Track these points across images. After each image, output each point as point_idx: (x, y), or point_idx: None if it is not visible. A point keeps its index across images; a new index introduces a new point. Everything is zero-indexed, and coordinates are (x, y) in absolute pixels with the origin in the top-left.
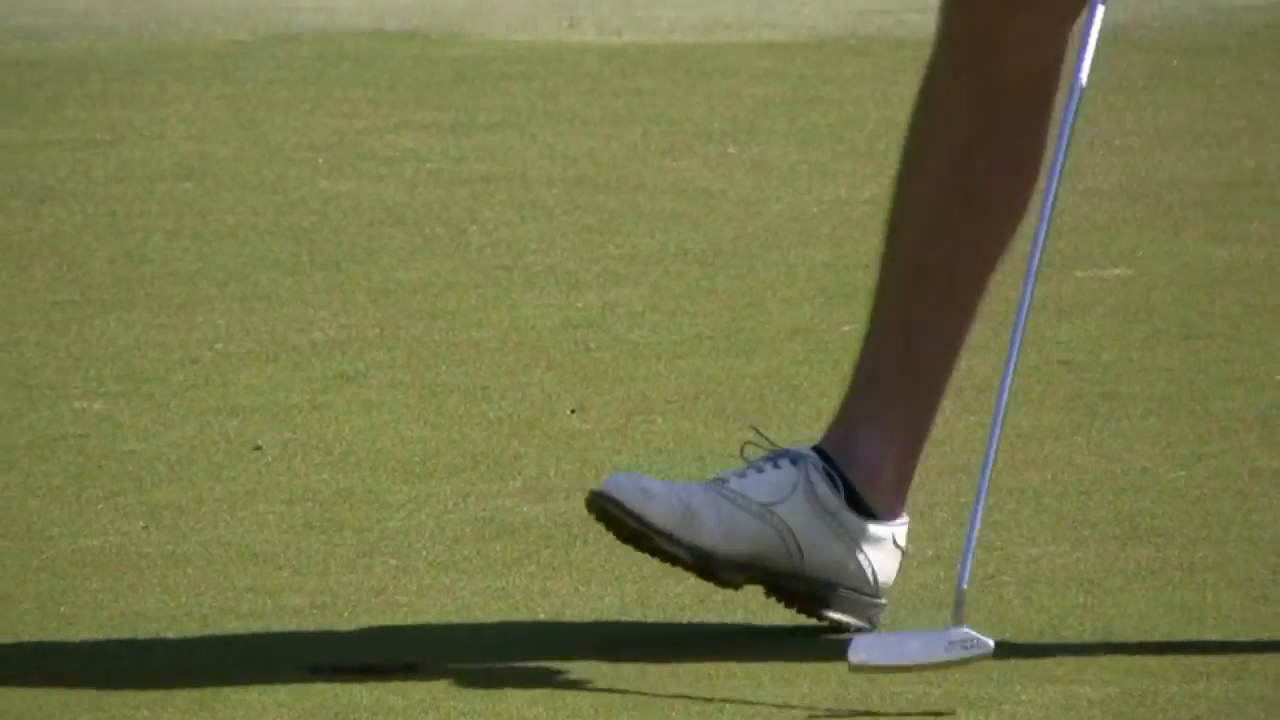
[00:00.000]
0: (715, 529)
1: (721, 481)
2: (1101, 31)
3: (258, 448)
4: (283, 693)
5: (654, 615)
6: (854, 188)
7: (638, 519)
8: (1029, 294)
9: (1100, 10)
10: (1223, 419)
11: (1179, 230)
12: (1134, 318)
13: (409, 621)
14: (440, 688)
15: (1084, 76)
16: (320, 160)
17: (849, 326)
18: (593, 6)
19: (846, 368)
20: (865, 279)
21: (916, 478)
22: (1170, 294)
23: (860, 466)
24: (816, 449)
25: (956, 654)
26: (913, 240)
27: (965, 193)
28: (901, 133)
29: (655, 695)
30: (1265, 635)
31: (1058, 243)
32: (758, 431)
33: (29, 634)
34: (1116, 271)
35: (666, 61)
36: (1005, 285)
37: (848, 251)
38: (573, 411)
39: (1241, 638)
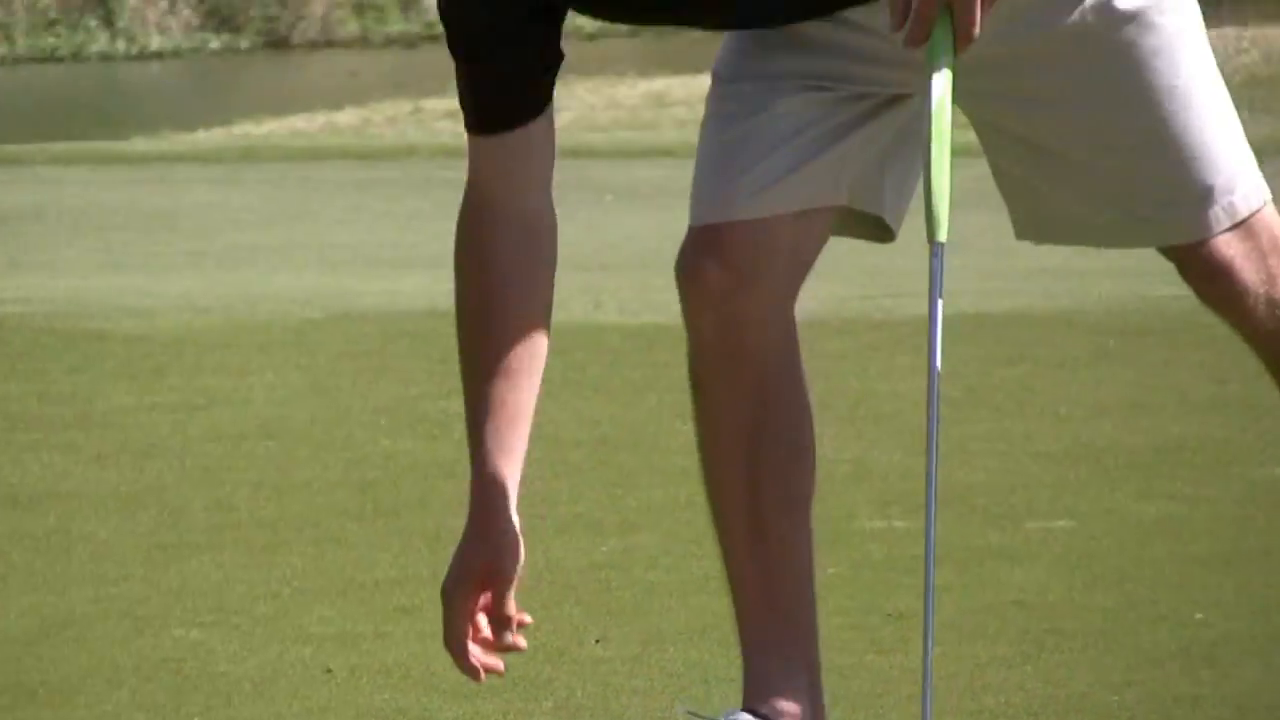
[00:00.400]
0: None
1: None
2: (1049, 316)
3: (329, 671)
4: None
5: None
6: (838, 448)
7: None
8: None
9: (940, 303)
10: (1150, 651)
11: (1115, 489)
12: (1076, 564)
13: None
14: None
15: (938, 361)
16: (382, 422)
17: (833, 569)
18: (615, 291)
19: (832, 604)
20: (847, 528)
21: (888, 699)
22: (1107, 544)
23: (786, 713)
24: (746, 709)
25: None
26: (737, 516)
27: (766, 461)
28: (879, 401)
29: None
30: None
31: (1011, 498)
32: (693, 713)
33: None
34: (1061, 524)
35: (679, 339)
36: (967, 532)
37: (832, 504)
38: (597, 641)
39: None
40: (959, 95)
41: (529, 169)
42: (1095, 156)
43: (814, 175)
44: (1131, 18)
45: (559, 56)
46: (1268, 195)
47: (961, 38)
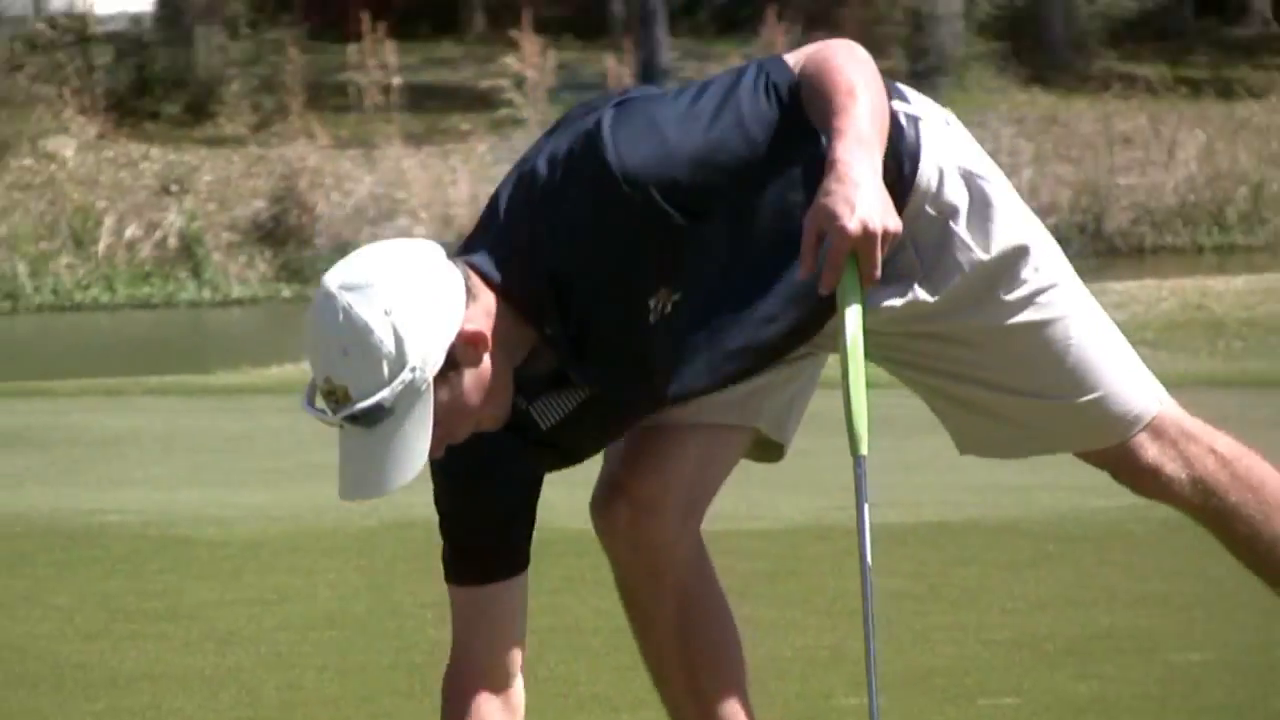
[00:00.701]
0: None
1: None
2: (998, 524)
3: None
4: None
5: None
6: (818, 637)
7: None
8: None
9: (867, 509)
10: None
11: (1054, 671)
12: None
13: None
14: None
15: (869, 554)
16: (429, 614)
17: None
18: None
19: None
20: (825, 705)
21: None
22: (1047, 717)
23: None
24: None
25: None
26: (684, 710)
27: (699, 660)
28: (852, 597)
29: None
30: None
31: (965, 679)
32: None
33: None
34: (1008, 701)
35: None
36: (928, 709)
37: (812, 684)
38: None
39: None
40: (876, 356)
41: (504, 628)
42: (1005, 401)
43: (738, 399)
44: (1021, 304)
45: (534, 523)
46: (1164, 396)
47: (866, 279)
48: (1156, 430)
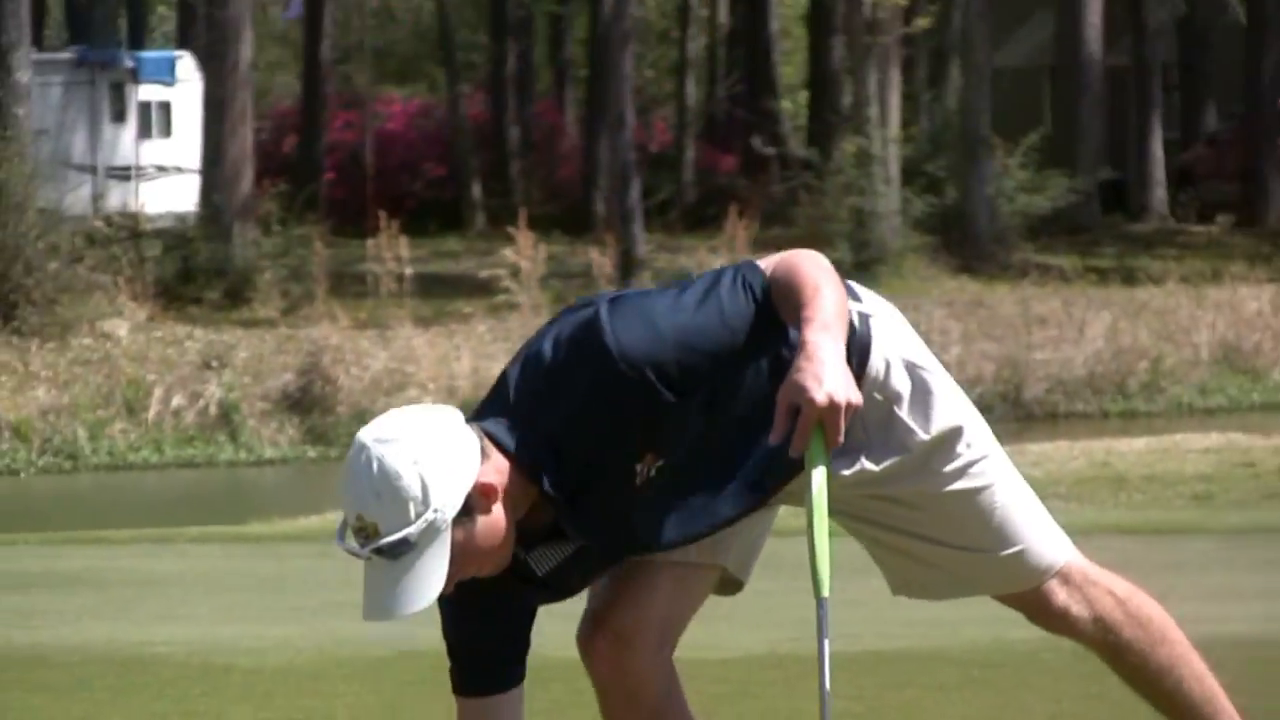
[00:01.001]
0: None
1: None
2: (928, 652)
3: None
4: None
5: None
6: None
7: None
8: None
9: (826, 641)
10: None
11: None
12: None
13: None
14: None
15: (828, 683)
16: None
17: None
18: None
19: None
20: None
21: None
22: None
23: None
24: None
25: None
26: None
27: None
28: (806, 717)
29: None
30: None
31: None
32: None
33: None
34: None
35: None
36: None
37: None
38: None
39: None
40: (830, 509)
41: None
42: (937, 552)
43: (709, 540)
44: (955, 475)
45: (529, 643)
46: (1070, 547)
47: (830, 443)
48: (1064, 577)
